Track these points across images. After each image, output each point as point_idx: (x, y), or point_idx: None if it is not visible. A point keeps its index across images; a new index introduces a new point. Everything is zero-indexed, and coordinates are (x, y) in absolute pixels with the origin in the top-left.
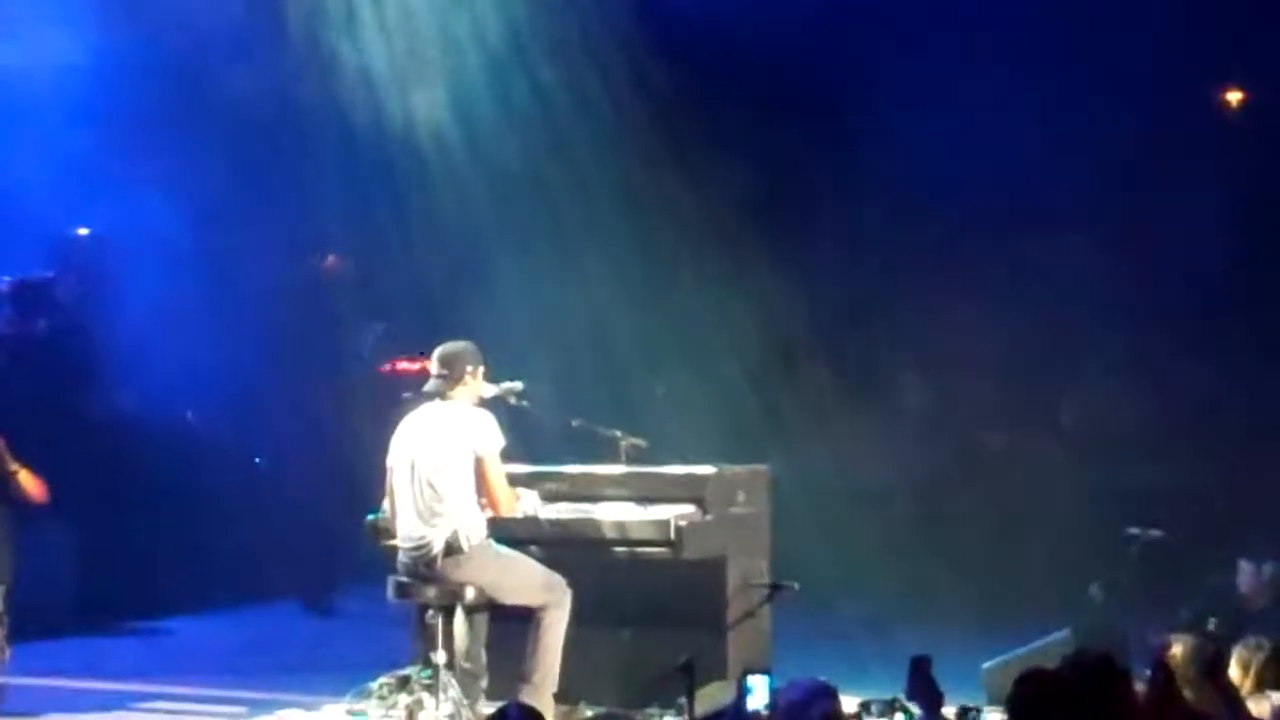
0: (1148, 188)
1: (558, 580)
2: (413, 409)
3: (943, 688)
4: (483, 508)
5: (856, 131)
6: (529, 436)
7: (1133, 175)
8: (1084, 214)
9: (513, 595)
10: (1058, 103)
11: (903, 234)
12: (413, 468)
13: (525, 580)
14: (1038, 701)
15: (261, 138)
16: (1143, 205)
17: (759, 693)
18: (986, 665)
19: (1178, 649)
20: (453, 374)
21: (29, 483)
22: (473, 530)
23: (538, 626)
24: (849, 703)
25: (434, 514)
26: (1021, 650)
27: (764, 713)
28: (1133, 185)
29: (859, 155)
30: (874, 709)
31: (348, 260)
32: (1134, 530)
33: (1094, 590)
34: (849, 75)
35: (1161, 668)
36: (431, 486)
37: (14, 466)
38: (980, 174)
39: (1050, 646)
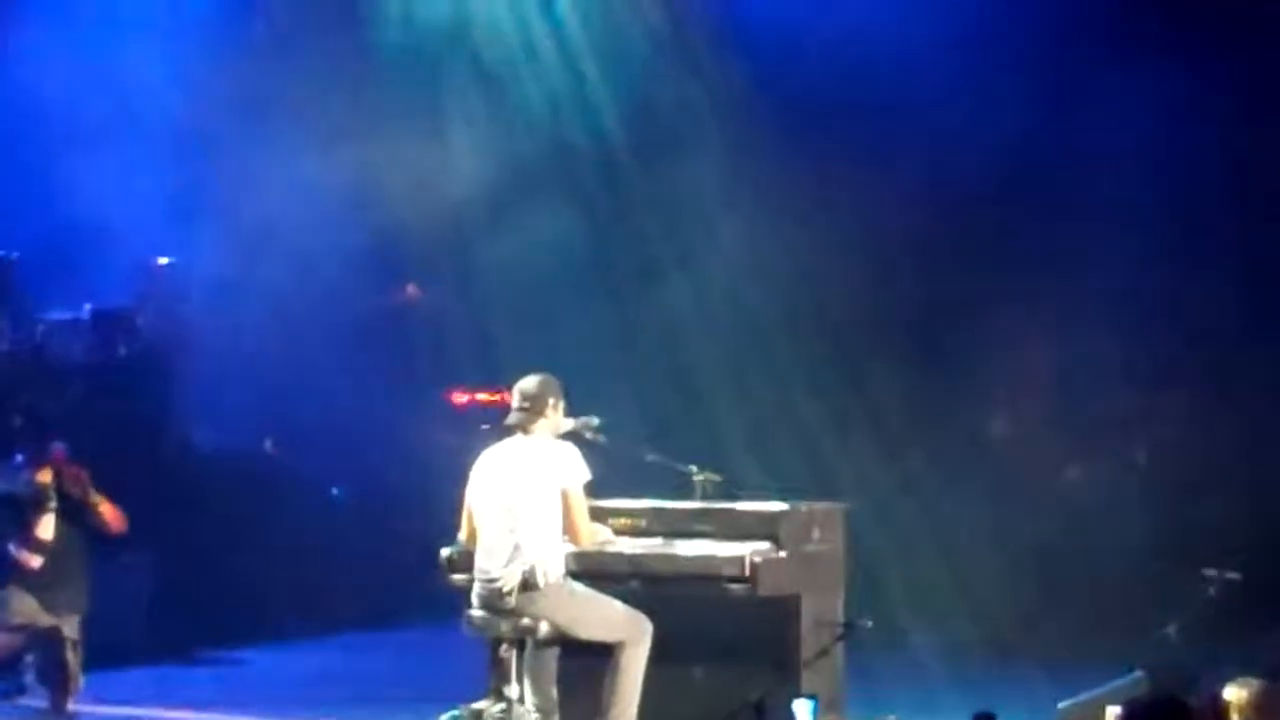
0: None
1: (639, 617)
2: (492, 441)
3: None
4: (563, 542)
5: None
6: (603, 471)
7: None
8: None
9: (589, 631)
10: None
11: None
12: (495, 502)
13: (602, 617)
14: None
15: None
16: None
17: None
18: (1062, 705)
19: (1243, 692)
20: (535, 407)
21: (109, 513)
22: (551, 567)
23: (616, 663)
24: None
25: (514, 548)
26: (1096, 691)
27: None
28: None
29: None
30: None
31: (427, 290)
32: (1210, 571)
33: (1169, 631)
34: None
35: (1217, 710)
36: (514, 521)
37: (95, 498)
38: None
39: (1124, 688)
